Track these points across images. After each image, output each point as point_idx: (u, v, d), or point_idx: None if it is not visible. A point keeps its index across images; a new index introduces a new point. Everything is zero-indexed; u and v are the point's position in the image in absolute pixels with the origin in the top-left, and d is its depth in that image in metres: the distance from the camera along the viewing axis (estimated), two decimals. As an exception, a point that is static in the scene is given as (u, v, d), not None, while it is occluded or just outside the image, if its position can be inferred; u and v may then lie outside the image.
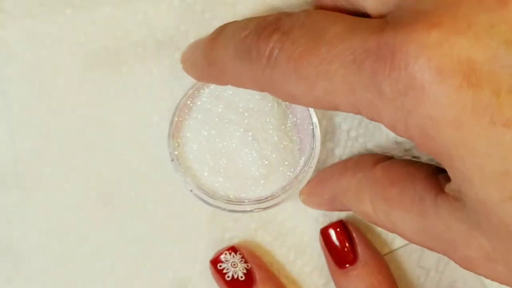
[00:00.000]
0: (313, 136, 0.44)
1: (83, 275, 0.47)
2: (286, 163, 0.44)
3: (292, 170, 0.45)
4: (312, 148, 0.44)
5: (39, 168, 0.46)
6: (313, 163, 0.44)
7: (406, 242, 0.47)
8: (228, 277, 0.45)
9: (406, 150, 0.46)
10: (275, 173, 0.44)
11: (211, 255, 0.47)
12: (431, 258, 0.47)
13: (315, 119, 0.44)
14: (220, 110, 0.44)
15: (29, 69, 0.45)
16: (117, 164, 0.46)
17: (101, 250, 0.47)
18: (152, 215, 0.47)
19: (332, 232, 0.46)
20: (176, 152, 0.44)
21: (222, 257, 0.45)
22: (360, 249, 0.45)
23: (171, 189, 0.46)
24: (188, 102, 0.44)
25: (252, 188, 0.44)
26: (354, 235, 0.46)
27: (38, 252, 0.47)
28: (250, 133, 0.44)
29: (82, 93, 0.45)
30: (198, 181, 0.44)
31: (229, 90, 0.43)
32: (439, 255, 0.47)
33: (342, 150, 0.47)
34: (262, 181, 0.44)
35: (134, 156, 0.46)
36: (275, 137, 0.44)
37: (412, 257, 0.47)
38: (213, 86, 0.44)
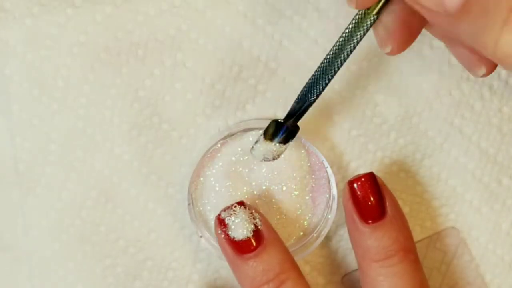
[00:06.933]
0: (329, 207, 0.46)
1: (83, 274, 0.47)
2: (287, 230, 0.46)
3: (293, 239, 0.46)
4: (325, 217, 0.46)
5: (40, 168, 0.46)
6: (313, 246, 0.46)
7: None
8: None
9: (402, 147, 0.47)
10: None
11: (211, 255, 0.47)
12: (433, 258, 0.47)
13: (334, 191, 0.45)
14: (247, 170, 0.45)
15: (29, 69, 0.45)
16: (117, 164, 0.46)
17: (102, 249, 0.47)
18: (152, 214, 0.47)
19: (361, 184, 0.43)
20: (193, 195, 0.45)
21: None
22: (388, 204, 0.43)
23: (171, 189, 0.46)
24: (219, 146, 0.45)
25: None
26: (382, 189, 0.43)
27: (38, 251, 0.47)
28: (264, 197, 0.46)
29: (83, 93, 0.45)
30: (205, 225, 0.46)
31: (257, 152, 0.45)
32: (442, 256, 0.47)
33: (343, 149, 0.47)
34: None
35: (134, 156, 0.46)
36: (285, 204, 0.46)
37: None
38: (249, 141, 0.45)
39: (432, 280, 0.47)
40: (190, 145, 0.46)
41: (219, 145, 0.45)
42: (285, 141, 0.43)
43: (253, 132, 0.45)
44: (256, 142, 0.43)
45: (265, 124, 0.44)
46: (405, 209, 0.47)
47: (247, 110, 0.46)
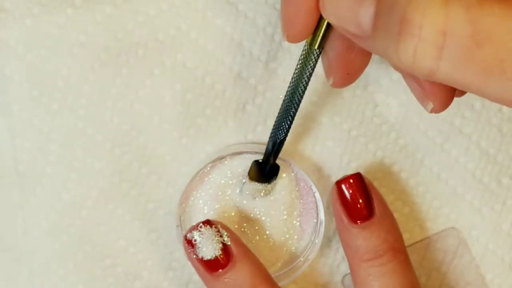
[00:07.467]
0: (316, 231, 0.46)
1: (83, 274, 0.47)
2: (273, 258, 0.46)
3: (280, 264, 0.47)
4: (312, 241, 0.46)
5: (40, 168, 0.46)
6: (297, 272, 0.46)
7: (409, 243, 0.47)
8: None
9: (403, 147, 0.47)
10: None
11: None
12: (433, 259, 0.47)
13: (322, 216, 0.45)
14: (236, 194, 0.45)
15: (29, 69, 0.45)
16: (117, 164, 0.46)
17: (102, 250, 0.47)
18: (152, 215, 0.47)
19: (349, 185, 0.44)
20: (182, 218, 0.46)
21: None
22: (376, 204, 0.43)
23: (171, 189, 0.46)
24: (208, 169, 0.45)
25: None
26: (370, 189, 0.44)
27: (38, 251, 0.47)
28: (252, 221, 0.46)
29: (83, 93, 0.45)
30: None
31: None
32: (442, 256, 0.47)
33: (343, 150, 0.47)
34: None
35: (134, 156, 0.46)
36: (267, 235, 0.46)
37: (415, 257, 0.47)
38: (238, 165, 0.45)
39: (432, 280, 0.47)
40: (190, 145, 0.46)
41: (208, 168, 0.45)
42: (268, 180, 0.44)
43: (242, 156, 0.45)
44: (244, 183, 0.45)
45: (254, 149, 0.45)
46: (405, 209, 0.47)
47: (247, 110, 0.46)
